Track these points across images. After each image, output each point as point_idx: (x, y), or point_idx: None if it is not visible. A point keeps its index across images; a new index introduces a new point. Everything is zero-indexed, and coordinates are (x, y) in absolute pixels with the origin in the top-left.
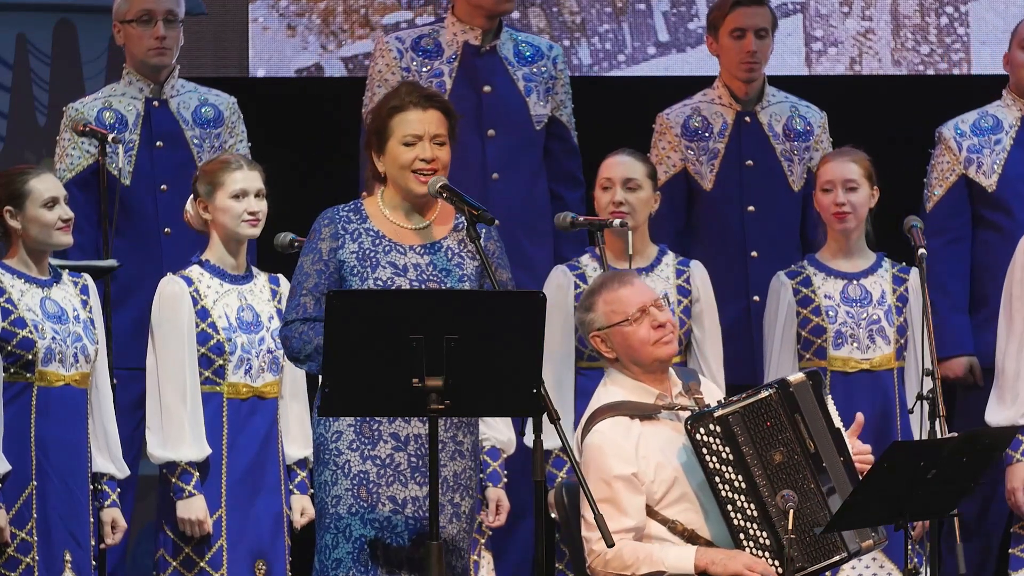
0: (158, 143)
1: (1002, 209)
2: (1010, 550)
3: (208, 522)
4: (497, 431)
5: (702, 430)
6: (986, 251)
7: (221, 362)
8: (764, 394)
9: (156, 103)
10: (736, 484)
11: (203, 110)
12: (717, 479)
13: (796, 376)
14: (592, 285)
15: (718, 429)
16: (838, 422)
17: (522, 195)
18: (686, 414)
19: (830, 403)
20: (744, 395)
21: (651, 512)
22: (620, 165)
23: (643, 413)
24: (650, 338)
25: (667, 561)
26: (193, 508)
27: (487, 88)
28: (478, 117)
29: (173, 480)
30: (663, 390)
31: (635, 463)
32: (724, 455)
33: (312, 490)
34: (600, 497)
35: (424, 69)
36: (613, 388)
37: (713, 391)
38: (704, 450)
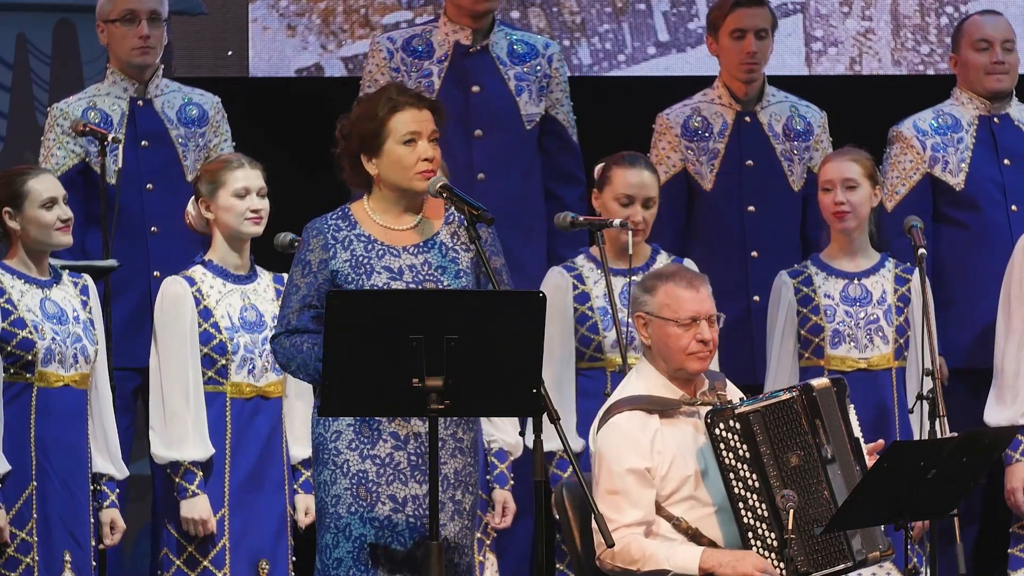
0: (143, 142)
1: (970, 207)
2: (1009, 550)
3: (212, 521)
4: (505, 433)
5: (721, 425)
6: (952, 250)
7: (224, 362)
8: (787, 396)
9: (140, 103)
10: (750, 483)
11: (188, 109)
12: (731, 475)
13: (820, 381)
14: (663, 269)
15: (737, 426)
16: (858, 432)
17: (510, 195)
18: (707, 410)
19: (852, 412)
20: (766, 395)
21: (657, 508)
22: (644, 186)
23: (663, 408)
24: (688, 348)
25: (673, 560)
26: (197, 508)
27: (476, 88)
28: (465, 117)
29: (177, 480)
30: (688, 392)
31: (650, 458)
32: (741, 452)
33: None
34: (611, 488)
35: (414, 71)
36: (637, 381)
37: (737, 394)
38: (721, 445)
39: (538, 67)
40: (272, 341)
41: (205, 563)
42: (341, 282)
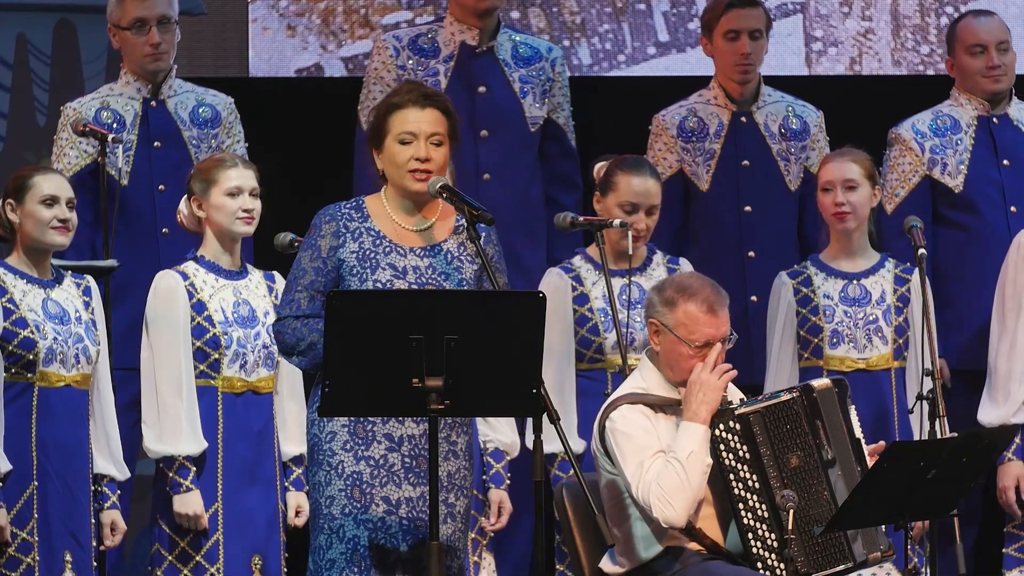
0: (156, 143)
1: (969, 209)
2: (1003, 549)
3: (205, 517)
4: (501, 433)
5: (721, 426)
6: (950, 252)
7: (216, 356)
8: (787, 397)
9: (154, 103)
10: (750, 484)
11: (201, 110)
12: (731, 476)
13: (821, 382)
14: (688, 283)
15: (738, 427)
16: (859, 432)
17: (515, 197)
18: None
19: (853, 412)
20: (767, 395)
21: None
22: (648, 194)
23: (664, 404)
24: (693, 366)
25: (688, 448)
26: (190, 503)
27: (482, 89)
28: (472, 118)
29: (170, 475)
30: None
31: (657, 443)
32: (741, 453)
33: (308, 487)
34: (636, 448)
35: (420, 69)
36: (640, 380)
37: (737, 395)
38: (721, 446)
39: (541, 70)
40: (279, 322)
41: (198, 558)
42: (346, 273)
